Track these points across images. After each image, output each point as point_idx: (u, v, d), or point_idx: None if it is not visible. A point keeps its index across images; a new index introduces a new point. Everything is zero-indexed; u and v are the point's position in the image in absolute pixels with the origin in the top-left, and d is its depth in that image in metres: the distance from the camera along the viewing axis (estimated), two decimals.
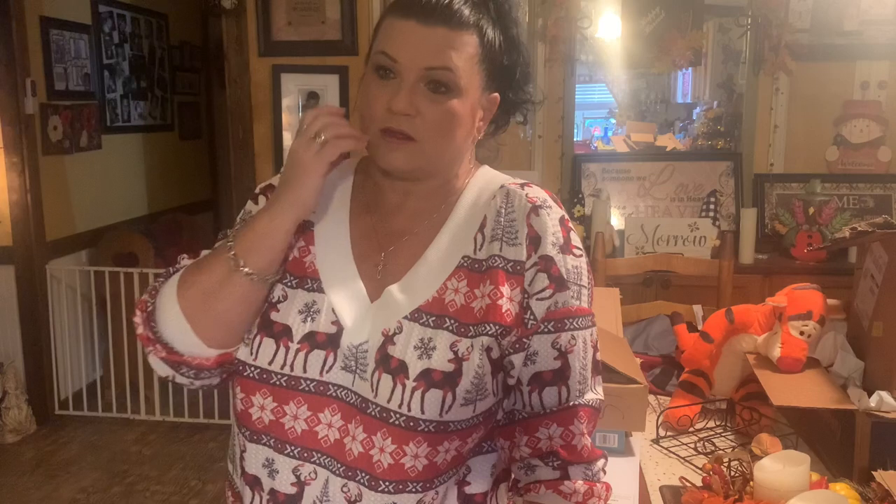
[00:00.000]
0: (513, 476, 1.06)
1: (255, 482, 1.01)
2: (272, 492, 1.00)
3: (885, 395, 1.43)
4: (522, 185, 1.04)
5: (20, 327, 4.05)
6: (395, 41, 0.96)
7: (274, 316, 1.00)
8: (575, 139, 3.95)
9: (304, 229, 1.05)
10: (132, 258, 4.40)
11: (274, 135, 3.69)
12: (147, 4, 5.25)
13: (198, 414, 4.06)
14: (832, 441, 1.56)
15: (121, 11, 4.94)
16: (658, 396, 1.94)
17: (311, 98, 3.66)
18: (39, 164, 4.03)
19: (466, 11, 0.97)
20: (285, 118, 3.67)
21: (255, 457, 1.01)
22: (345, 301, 0.99)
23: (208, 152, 6.28)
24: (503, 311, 0.96)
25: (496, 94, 1.03)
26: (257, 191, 1.11)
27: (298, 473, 0.98)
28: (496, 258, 0.98)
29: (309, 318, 0.99)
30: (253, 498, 1.02)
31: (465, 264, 0.99)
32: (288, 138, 3.69)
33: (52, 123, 4.12)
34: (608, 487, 1.03)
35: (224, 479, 1.14)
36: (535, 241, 0.98)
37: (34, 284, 4.01)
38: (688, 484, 1.38)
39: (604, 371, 1.07)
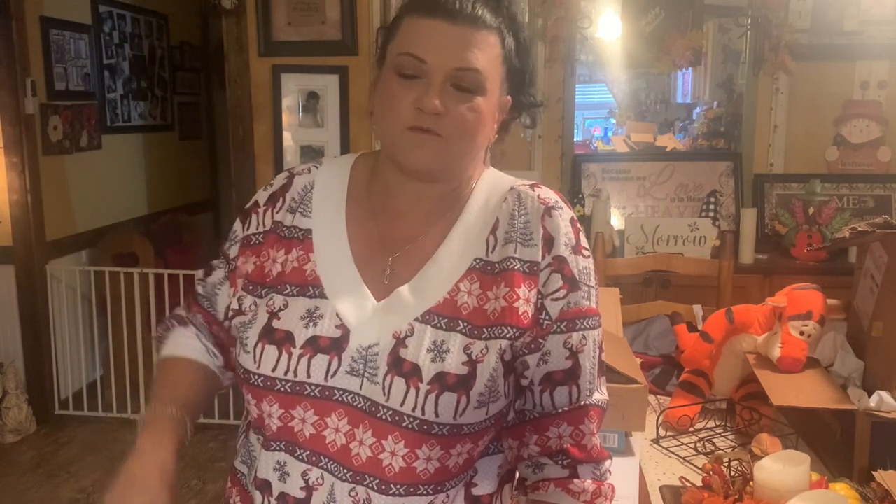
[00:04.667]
0: (518, 474, 1.06)
1: (264, 486, 1.01)
2: (282, 495, 0.99)
3: (885, 395, 1.43)
4: (532, 186, 1.04)
5: (20, 327, 4.04)
6: (421, 42, 0.96)
7: (275, 324, 0.99)
8: (575, 139, 3.96)
9: (303, 236, 1.04)
10: (132, 258, 4.40)
11: (274, 135, 3.69)
12: (147, 4, 5.25)
13: None
14: (832, 441, 1.57)
15: (121, 11, 4.94)
16: (658, 396, 1.94)
17: (311, 98, 3.66)
18: (39, 164, 4.02)
19: (488, 14, 0.98)
20: (285, 118, 3.67)
21: (268, 461, 1.01)
22: (349, 305, 0.99)
23: (208, 152, 6.28)
24: (520, 313, 0.96)
25: (509, 97, 1.04)
26: (248, 205, 1.11)
27: (307, 478, 0.98)
28: (511, 260, 0.98)
29: (311, 324, 0.98)
30: (263, 502, 1.01)
31: (478, 266, 0.99)
32: (288, 138, 3.69)
33: (52, 123, 4.12)
34: (613, 488, 1.03)
35: (224, 479, 1.14)
36: (549, 241, 0.99)
37: (34, 284, 4.01)
38: (688, 484, 1.38)
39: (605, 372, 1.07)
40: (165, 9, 5.48)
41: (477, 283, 0.98)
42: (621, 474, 1.36)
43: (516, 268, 0.98)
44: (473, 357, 0.94)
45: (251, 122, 3.70)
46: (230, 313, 1.07)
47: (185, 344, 1.13)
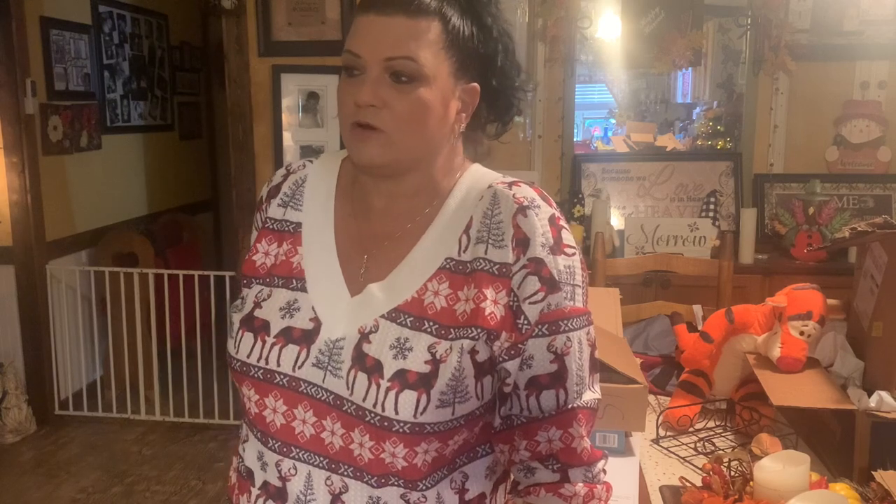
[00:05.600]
0: (512, 477, 1.05)
1: (249, 475, 1.04)
2: (265, 484, 1.01)
3: (885, 395, 1.43)
4: (510, 185, 1.01)
5: (20, 327, 4.05)
6: (357, 37, 0.97)
7: (257, 312, 1.02)
8: (575, 139, 3.95)
9: (294, 230, 1.06)
10: (132, 258, 4.40)
11: (274, 135, 3.69)
12: (147, 5, 5.25)
13: (198, 414, 4.06)
14: (832, 441, 1.57)
15: (121, 12, 4.94)
16: (658, 396, 1.94)
17: (311, 98, 3.66)
18: (39, 164, 4.02)
19: None
20: (285, 118, 3.68)
21: (251, 449, 1.04)
22: (325, 299, 1.00)
23: (208, 152, 6.28)
24: (486, 314, 0.94)
25: (475, 85, 1.01)
26: (258, 200, 1.13)
27: (280, 468, 1.00)
28: (481, 261, 0.97)
29: (288, 315, 1.00)
30: (249, 490, 1.03)
31: (448, 266, 0.98)
32: (288, 138, 3.70)
33: (52, 123, 4.12)
34: (609, 488, 1.02)
35: (224, 480, 1.16)
36: (522, 242, 0.96)
37: (34, 284, 4.01)
38: (688, 484, 1.38)
39: (604, 371, 1.06)
40: (165, 9, 5.48)
41: (446, 283, 0.97)
42: (621, 474, 1.36)
43: (485, 269, 0.96)
44: (437, 356, 0.93)
45: (251, 122, 3.71)
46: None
47: None
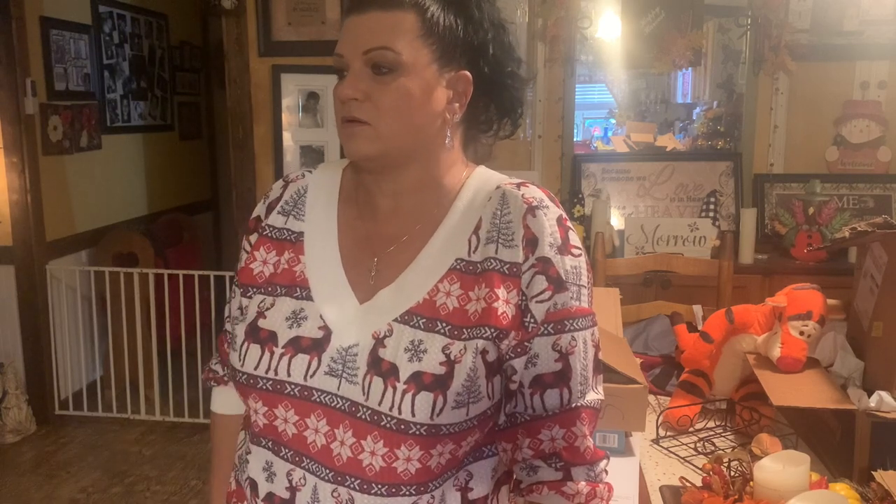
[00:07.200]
0: (515, 476, 1.06)
1: (252, 485, 1.03)
2: (269, 495, 1.00)
3: (885, 395, 1.43)
4: (519, 186, 1.02)
5: (20, 327, 4.05)
6: (341, 40, 1.00)
7: (261, 323, 1.01)
8: (575, 139, 3.95)
9: (295, 239, 1.06)
10: (132, 258, 4.41)
11: (274, 135, 3.69)
12: (147, 4, 5.25)
13: (198, 414, 4.06)
14: (832, 441, 1.57)
15: (121, 11, 4.94)
16: (658, 396, 1.94)
17: (311, 98, 3.66)
18: (39, 164, 4.02)
19: None
20: (285, 118, 3.68)
21: (256, 460, 1.02)
22: (333, 307, 0.99)
23: (208, 152, 6.28)
24: (499, 313, 0.95)
25: (465, 73, 1.01)
26: (252, 217, 1.12)
27: (291, 478, 0.99)
28: (492, 261, 0.97)
29: (295, 325, 0.99)
30: (250, 500, 1.03)
31: (459, 267, 0.98)
32: (288, 138, 3.69)
33: (52, 123, 4.12)
34: (610, 488, 1.02)
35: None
36: (531, 242, 0.97)
37: (34, 284, 4.01)
38: (688, 484, 1.38)
39: (604, 371, 1.07)
40: (165, 9, 5.48)
41: (457, 284, 0.97)
42: (621, 474, 1.36)
43: (496, 268, 0.97)
44: (452, 357, 0.93)
45: (251, 122, 3.71)
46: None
47: (226, 402, 1.21)
